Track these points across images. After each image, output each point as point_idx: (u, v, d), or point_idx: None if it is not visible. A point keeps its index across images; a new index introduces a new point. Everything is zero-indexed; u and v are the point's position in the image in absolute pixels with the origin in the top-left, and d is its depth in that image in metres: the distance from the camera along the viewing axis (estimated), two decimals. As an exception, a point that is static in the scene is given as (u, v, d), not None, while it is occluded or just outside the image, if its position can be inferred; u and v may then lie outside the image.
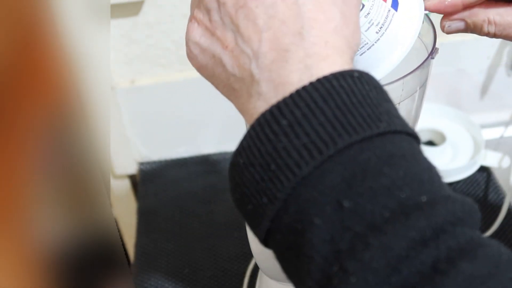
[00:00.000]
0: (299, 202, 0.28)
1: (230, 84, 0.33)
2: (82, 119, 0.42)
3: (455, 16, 0.44)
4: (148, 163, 0.90)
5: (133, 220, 0.82)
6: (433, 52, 0.42)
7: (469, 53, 0.84)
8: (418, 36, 0.40)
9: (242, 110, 0.33)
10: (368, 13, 0.38)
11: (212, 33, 0.33)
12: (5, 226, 0.30)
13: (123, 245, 0.93)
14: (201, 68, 0.35)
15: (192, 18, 0.34)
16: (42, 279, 0.34)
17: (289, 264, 0.30)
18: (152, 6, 0.76)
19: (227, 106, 0.83)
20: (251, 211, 0.30)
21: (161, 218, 0.81)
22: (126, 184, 0.93)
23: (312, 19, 0.31)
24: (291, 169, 0.28)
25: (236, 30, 0.32)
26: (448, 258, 0.26)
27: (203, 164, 0.88)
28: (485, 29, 0.43)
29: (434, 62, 0.43)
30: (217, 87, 0.35)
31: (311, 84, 0.29)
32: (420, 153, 0.30)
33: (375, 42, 0.38)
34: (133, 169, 0.90)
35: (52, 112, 0.37)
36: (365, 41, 0.38)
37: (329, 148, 0.28)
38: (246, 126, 0.32)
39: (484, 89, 0.89)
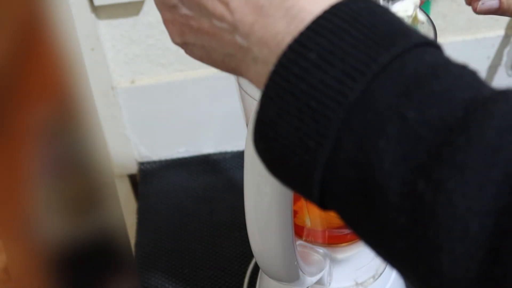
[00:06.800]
0: (354, 132, 0.25)
1: (229, 64, 0.32)
2: (82, 119, 0.42)
3: None
4: (148, 163, 0.90)
5: (133, 220, 0.82)
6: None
7: (469, 53, 0.83)
8: None
9: (252, 81, 0.31)
10: None
11: (190, 27, 0.32)
12: (10, 226, 0.30)
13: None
14: (202, 60, 0.34)
15: (164, 21, 0.34)
16: (48, 278, 0.34)
17: (361, 217, 0.26)
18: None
19: (227, 106, 0.83)
20: (296, 166, 0.27)
21: (161, 218, 0.81)
22: (126, 184, 0.93)
23: None
24: (336, 100, 0.25)
25: (207, 13, 0.31)
26: None
27: (203, 164, 0.88)
28: None
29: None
30: (222, 70, 0.33)
31: (326, 12, 0.27)
32: (451, 60, 0.28)
33: None
34: (133, 169, 0.90)
35: (53, 112, 0.37)
36: None
37: (371, 67, 0.25)
38: (251, 116, 0.32)
39: (484, 89, 0.89)
